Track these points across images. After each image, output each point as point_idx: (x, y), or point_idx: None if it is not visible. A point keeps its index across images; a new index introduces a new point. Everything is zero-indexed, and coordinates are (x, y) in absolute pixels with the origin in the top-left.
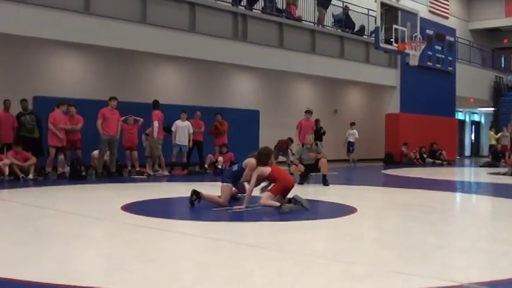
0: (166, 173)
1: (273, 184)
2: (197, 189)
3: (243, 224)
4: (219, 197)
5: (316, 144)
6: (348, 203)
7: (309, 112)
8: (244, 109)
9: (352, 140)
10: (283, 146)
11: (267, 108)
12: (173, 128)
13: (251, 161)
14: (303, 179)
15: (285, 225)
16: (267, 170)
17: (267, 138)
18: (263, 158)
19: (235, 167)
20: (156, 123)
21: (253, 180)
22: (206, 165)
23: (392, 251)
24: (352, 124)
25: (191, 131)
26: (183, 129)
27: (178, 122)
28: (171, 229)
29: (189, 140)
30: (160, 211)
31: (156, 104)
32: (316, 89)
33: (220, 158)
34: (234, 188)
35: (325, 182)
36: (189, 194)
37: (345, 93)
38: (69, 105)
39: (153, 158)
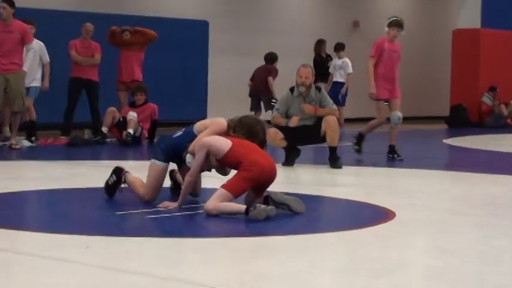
0: (25, 143)
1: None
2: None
3: (176, 242)
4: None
5: (318, 90)
6: (378, 201)
7: (397, 25)
8: (181, 19)
9: (340, 80)
10: (261, 77)
11: (222, 17)
12: None
13: (220, 121)
14: (291, 156)
15: (256, 244)
16: (224, 143)
17: (223, 74)
18: (245, 130)
19: (178, 132)
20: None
21: (200, 154)
22: (105, 129)
23: None
24: (339, 48)
25: (47, 58)
26: (30, 56)
27: None
28: (38, 252)
29: (45, 76)
30: (17, 217)
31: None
32: None
33: (133, 114)
34: (179, 175)
35: (334, 161)
36: (73, 185)
37: None
38: None
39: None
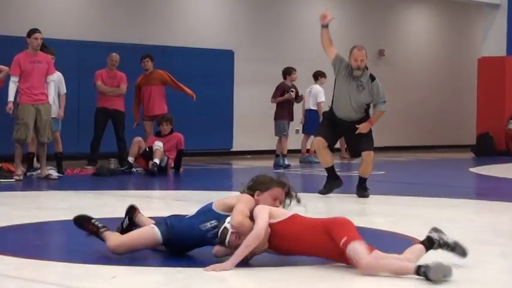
0: (53, 173)
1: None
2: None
3: (201, 272)
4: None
5: (372, 79)
6: (404, 230)
7: None
8: (207, 49)
9: (312, 108)
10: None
11: (247, 47)
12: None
13: (247, 196)
14: (331, 184)
15: (284, 274)
16: (280, 212)
17: (248, 104)
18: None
19: (190, 215)
20: (54, 77)
21: (263, 215)
22: (131, 158)
23: None
24: (319, 76)
25: (64, 90)
26: (52, 88)
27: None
28: (65, 282)
29: (61, 106)
30: (43, 248)
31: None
32: (344, 11)
33: (159, 144)
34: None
35: (361, 191)
36: (100, 215)
37: (400, 18)
38: None
39: (25, 145)
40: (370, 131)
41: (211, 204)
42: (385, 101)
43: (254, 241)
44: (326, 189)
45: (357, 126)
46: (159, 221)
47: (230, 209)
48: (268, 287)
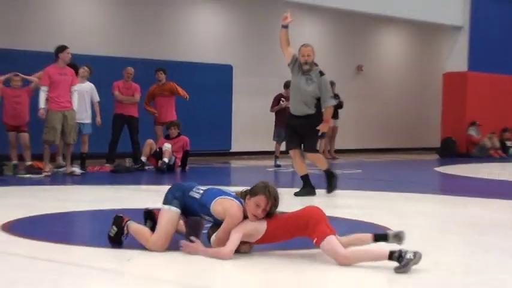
0: (77, 170)
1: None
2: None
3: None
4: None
5: (321, 74)
6: (379, 220)
7: None
8: (208, 63)
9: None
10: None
11: (244, 61)
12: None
13: (235, 216)
14: (305, 191)
15: (272, 258)
16: (260, 227)
17: (245, 113)
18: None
19: (195, 193)
20: (76, 87)
21: (236, 236)
22: (144, 158)
23: None
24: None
25: (97, 98)
26: (82, 96)
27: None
28: (89, 263)
29: (97, 114)
30: (69, 234)
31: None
32: (328, 30)
33: (168, 146)
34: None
35: (329, 186)
36: (118, 206)
37: (376, 38)
38: None
39: (52, 146)
40: (316, 133)
41: (211, 202)
42: (332, 96)
43: (217, 258)
44: (302, 192)
45: (307, 123)
46: (168, 198)
47: (221, 218)
48: (269, 277)
